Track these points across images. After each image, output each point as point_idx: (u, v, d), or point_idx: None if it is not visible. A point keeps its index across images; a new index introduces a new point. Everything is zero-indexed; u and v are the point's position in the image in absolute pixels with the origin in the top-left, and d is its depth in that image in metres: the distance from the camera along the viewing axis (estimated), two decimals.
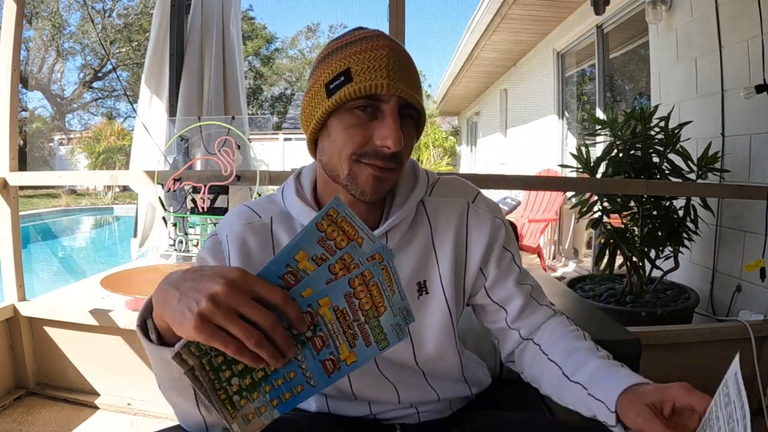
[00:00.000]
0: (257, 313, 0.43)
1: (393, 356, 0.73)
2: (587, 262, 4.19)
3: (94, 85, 17.82)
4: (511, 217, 4.58)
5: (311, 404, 0.81)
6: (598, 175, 2.15)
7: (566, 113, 5.29)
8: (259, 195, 1.88)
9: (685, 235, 2.10)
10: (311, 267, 0.46)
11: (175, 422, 0.65)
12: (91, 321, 1.81)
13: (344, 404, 0.78)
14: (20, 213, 1.96)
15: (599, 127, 2.30)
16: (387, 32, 1.71)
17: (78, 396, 1.85)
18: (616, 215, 2.18)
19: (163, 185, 1.80)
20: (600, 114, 4.12)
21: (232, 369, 0.46)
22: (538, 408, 0.85)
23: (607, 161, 2.15)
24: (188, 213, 1.81)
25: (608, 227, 2.15)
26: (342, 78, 0.62)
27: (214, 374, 0.46)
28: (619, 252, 2.15)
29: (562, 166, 3.77)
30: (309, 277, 0.46)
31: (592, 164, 2.15)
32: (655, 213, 2.12)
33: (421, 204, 0.74)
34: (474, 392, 0.82)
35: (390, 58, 0.62)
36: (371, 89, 0.60)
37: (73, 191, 13.61)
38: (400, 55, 0.64)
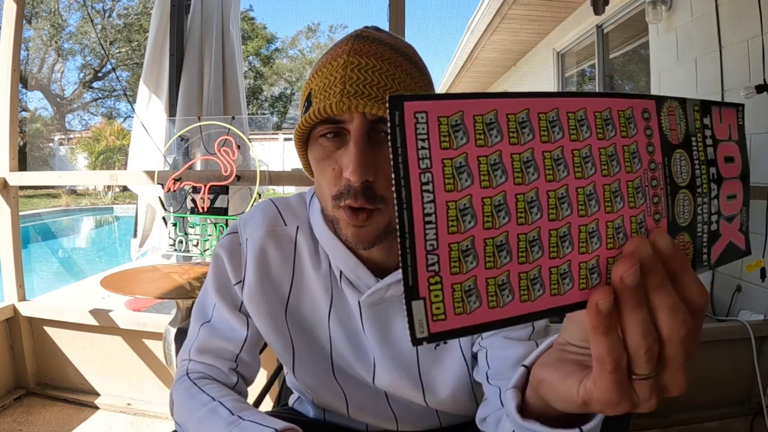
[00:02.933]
0: None
1: (404, 396, 0.68)
2: None
3: (94, 85, 17.83)
4: None
5: (309, 411, 0.80)
6: None
7: None
8: (259, 195, 1.88)
9: None
10: None
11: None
12: (91, 321, 1.81)
13: (341, 419, 0.76)
14: (20, 213, 1.96)
15: None
16: None
17: (78, 396, 1.85)
18: None
19: (163, 185, 1.80)
20: None
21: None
22: None
23: None
24: (188, 213, 1.81)
25: None
26: (306, 103, 0.55)
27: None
28: None
29: None
30: None
31: None
32: None
33: None
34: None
35: (347, 68, 0.51)
36: (323, 110, 0.50)
37: (73, 191, 13.61)
38: (366, 61, 0.52)
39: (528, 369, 0.39)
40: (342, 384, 0.69)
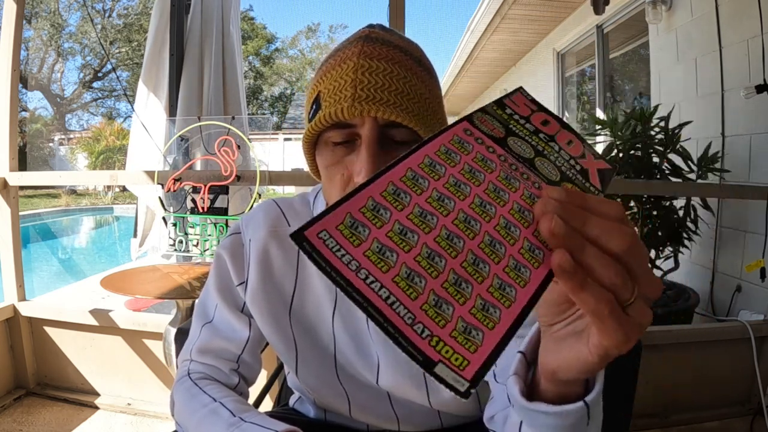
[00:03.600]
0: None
1: (407, 397, 0.68)
2: None
3: (94, 85, 17.83)
4: None
5: (310, 411, 0.80)
6: None
7: (566, 113, 5.29)
8: (259, 195, 1.88)
9: (685, 235, 2.10)
10: None
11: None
12: (91, 321, 1.81)
13: (342, 419, 0.76)
14: (20, 213, 1.96)
15: (599, 127, 2.30)
16: None
17: (78, 396, 1.85)
18: None
19: (163, 185, 1.80)
20: (600, 114, 4.12)
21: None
22: None
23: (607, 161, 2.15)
24: (188, 213, 1.81)
25: None
26: (314, 106, 0.53)
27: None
28: None
29: None
30: None
31: None
32: (655, 213, 2.12)
33: None
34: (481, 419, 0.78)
35: (357, 71, 0.50)
36: (334, 115, 0.50)
37: (73, 191, 13.61)
38: (377, 64, 0.51)
39: (523, 354, 0.40)
40: (345, 385, 0.69)
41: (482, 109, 0.35)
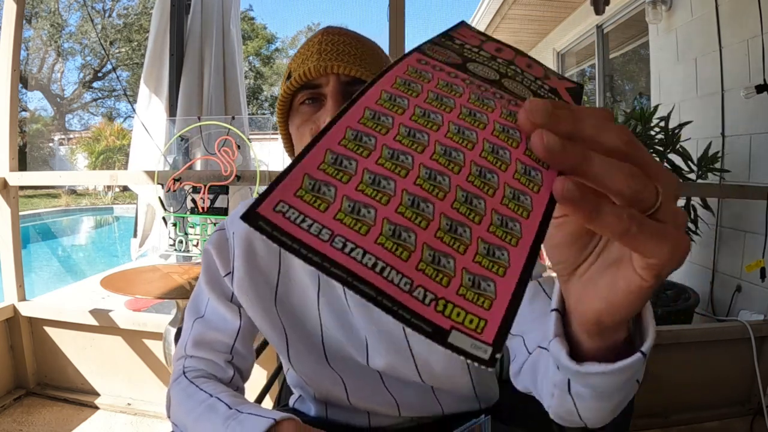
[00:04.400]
0: None
1: (399, 375, 0.70)
2: None
3: (94, 85, 17.83)
4: None
5: (310, 409, 0.80)
6: None
7: None
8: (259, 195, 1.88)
9: None
10: None
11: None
12: (91, 321, 1.81)
13: (343, 413, 0.77)
14: (20, 213, 1.96)
15: None
16: (387, 32, 1.71)
17: (78, 396, 1.85)
18: None
19: (163, 185, 1.80)
20: None
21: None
22: (543, 414, 0.83)
23: None
24: (188, 213, 1.81)
25: None
26: (287, 81, 0.61)
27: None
28: None
29: None
30: None
31: None
32: None
33: None
34: (483, 407, 0.78)
35: (322, 42, 0.60)
36: (303, 76, 0.58)
37: (73, 191, 13.61)
38: (338, 38, 0.61)
39: (558, 311, 0.35)
40: (337, 368, 0.70)
41: (430, 41, 0.31)
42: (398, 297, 0.20)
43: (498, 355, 0.20)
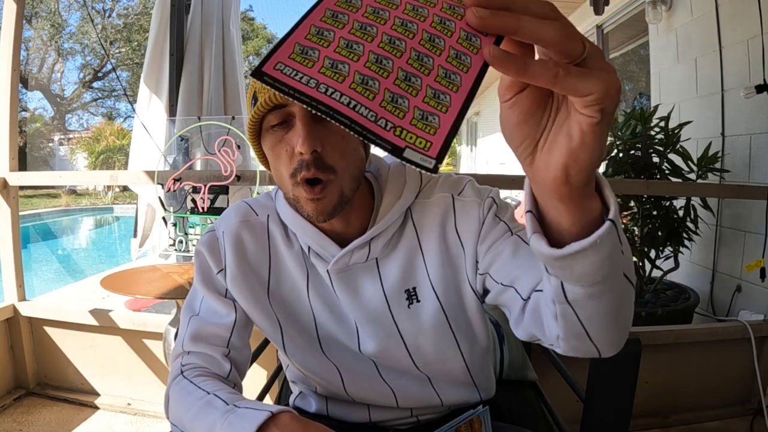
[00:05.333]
0: None
1: (393, 363, 0.72)
2: None
3: (94, 85, 17.83)
4: None
5: (311, 405, 0.81)
6: None
7: None
8: (259, 195, 1.88)
9: (685, 235, 2.10)
10: None
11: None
12: (91, 321, 1.81)
13: (343, 407, 0.78)
14: (20, 213, 1.96)
15: None
16: None
17: (78, 396, 1.85)
18: None
19: (163, 185, 1.80)
20: None
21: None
22: (541, 415, 0.84)
23: (607, 161, 2.15)
24: (188, 213, 1.81)
25: None
26: (253, 102, 0.61)
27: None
28: None
29: None
30: None
31: None
32: (655, 213, 2.12)
33: (408, 209, 0.70)
34: (483, 397, 0.79)
35: None
36: (270, 100, 0.57)
37: (73, 191, 13.61)
38: None
39: (531, 212, 0.39)
40: (332, 358, 0.72)
41: None
42: (366, 125, 0.27)
43: (439, 165, 0.28)
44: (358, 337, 0.71)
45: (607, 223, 0.36)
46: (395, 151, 0.27)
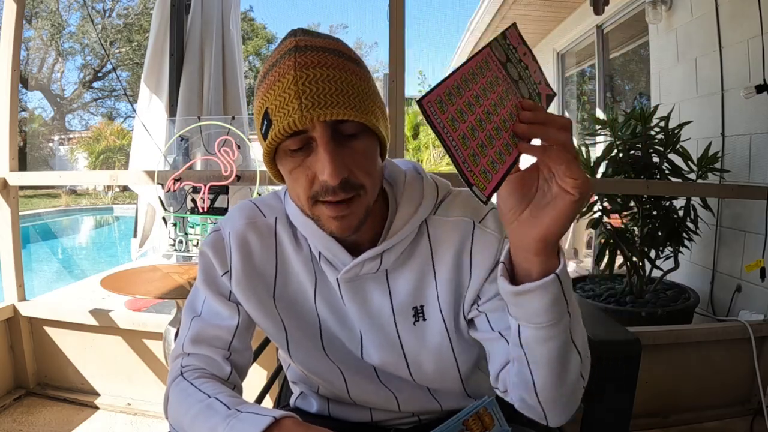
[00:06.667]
0: None
1: (392, 369, 0.72)
2: (587, 262, 4.19)
3: (94, 85, 17.82)
4: None
5: (312, 405, 0.81)
6: (598, 175, 2.15)
7: (566, 113, 5.29)
8: (259, 195, 1.88)
9: (685, 235, 2.10)
10: None
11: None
12: (91, 321, 1.81)
13: (345, 408, 0.78)
14: (20, 213, 1.96)
15: (599, 127, 2.30)
16: (387, 32, 1.71)
17: (78, 396, 1.85)
18: (616, 215, 2.19)
19: (163, 185, 1.80)
20: (600, 114, 4.12)
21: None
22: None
23: (607, 161, 2.15)
24: (188, 213, 1.81)
25: (608, 227, 2.15)
26: (265, 122, 0.57)
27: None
28: (619, 252, 2.15)
29: None
30: None
31: (592, 164, 2.15)
32: (655, 213, 2.12)
33: (424, 223, 0.68)
34: None
35: (297, 82, 0.54)
36: (287, 127, 0.54)
37: (73, 191, 13.61)
38: (313, 72, 0.55)
39: (503, 263, 0.54)
40: (336, 361, 0.72)
41: (495, 39, 0.50)
42: (459, 164, 0.43)
43: (489, 201, 0.45)
44: (362, 345, 0.71)
45: (552, 275, 0.50)
46: (468, 184, 0.43)
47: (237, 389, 0.70)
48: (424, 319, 0.69)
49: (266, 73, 0.58)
